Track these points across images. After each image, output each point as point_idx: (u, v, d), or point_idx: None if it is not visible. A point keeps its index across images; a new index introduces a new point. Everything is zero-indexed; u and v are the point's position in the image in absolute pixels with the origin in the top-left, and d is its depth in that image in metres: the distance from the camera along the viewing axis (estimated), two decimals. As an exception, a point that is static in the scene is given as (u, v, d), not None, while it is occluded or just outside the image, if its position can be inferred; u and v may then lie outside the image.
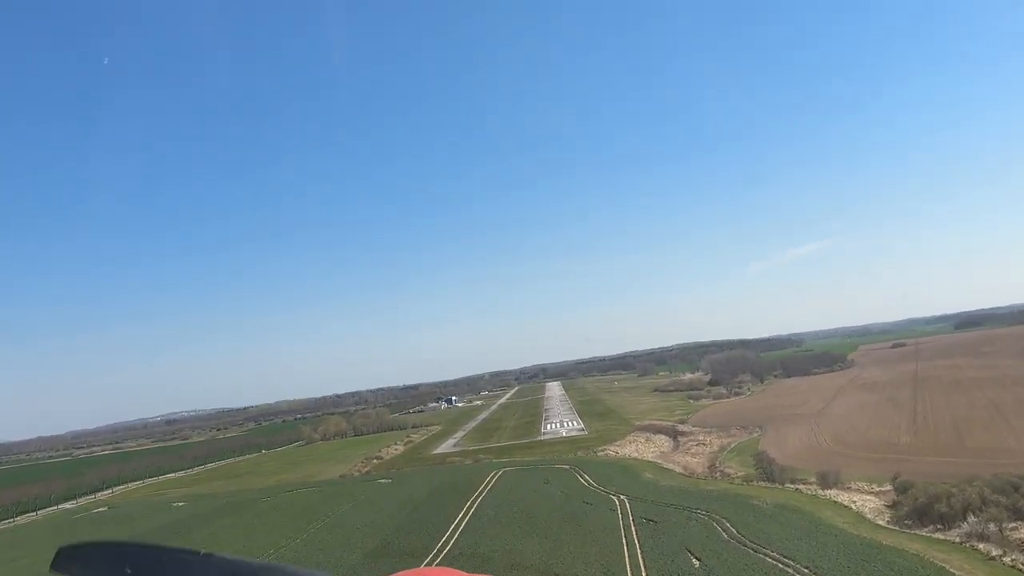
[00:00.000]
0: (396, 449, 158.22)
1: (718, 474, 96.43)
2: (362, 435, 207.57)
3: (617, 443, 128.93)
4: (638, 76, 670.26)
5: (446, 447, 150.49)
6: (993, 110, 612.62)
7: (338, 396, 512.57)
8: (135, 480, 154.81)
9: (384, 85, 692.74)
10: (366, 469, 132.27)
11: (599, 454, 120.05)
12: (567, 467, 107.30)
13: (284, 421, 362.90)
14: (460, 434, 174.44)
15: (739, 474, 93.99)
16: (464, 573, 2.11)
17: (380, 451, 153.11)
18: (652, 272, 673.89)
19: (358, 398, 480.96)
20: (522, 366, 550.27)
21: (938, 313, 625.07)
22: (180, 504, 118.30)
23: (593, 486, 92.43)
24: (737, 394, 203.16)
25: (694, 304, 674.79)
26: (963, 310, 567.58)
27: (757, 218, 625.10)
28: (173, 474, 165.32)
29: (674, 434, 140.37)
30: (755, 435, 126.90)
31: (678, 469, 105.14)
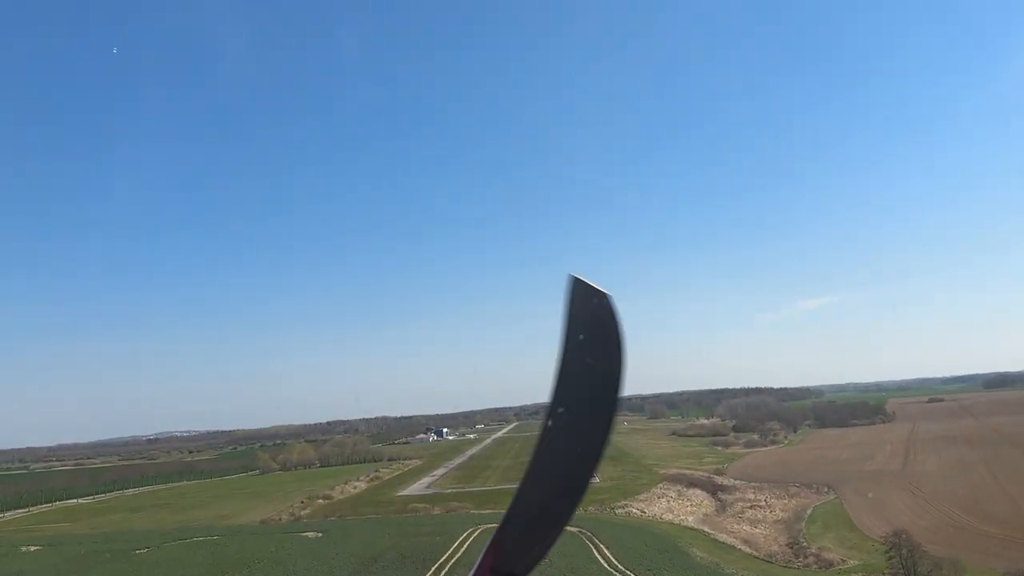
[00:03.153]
0: (355, 486, 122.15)
1: (812, 559, 60.49)
2: (329, 466, 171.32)
3: (641, 497, 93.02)
4: (657, 127, 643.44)
5: (417, 488, 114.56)
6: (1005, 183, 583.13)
7: (328, 423, 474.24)
8: (19, 508, 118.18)
9: (393, 101, 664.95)
10: (303, 512, 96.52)
11: (618, 512, 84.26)
12: (575, 530, 71.57)
13: (262, 446, 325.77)
14: (440, 472, 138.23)
15: (849, 561, 58.14)
16: None
17: (333, 488, 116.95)
18: (657, 318, 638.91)
19: (348, 426, 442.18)
20: (523, 403, 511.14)
21: (949, 374, 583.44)
22: (32, 549, 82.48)
23: (618, 571, 57.02)
24: (773, 443, 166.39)
25: (702, 351, 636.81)
26: (977, 372, 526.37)
27: (767, 269, 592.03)
28: (79, 500, 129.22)
29: (712, 489, 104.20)
30: (829, 497, 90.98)
31: (740, 544, 69.29)
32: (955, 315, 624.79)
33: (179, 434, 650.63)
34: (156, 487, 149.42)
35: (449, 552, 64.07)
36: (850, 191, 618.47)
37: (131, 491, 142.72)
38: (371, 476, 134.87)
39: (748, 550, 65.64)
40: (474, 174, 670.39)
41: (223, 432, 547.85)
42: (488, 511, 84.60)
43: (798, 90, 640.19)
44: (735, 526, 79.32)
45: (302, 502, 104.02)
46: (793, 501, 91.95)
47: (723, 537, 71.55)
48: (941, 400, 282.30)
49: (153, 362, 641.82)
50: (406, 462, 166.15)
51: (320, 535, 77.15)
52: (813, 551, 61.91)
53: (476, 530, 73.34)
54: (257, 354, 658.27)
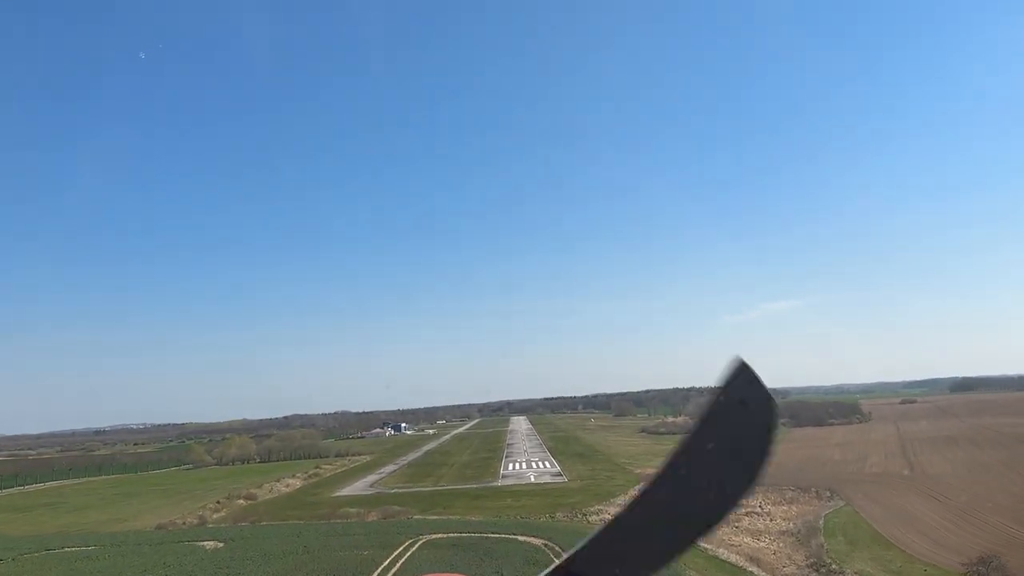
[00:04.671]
0: (288, 484, 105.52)
1: (850, 588, 45.72)
2: (268, 461, 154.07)
3: (617, 501, 77.66)
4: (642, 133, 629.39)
5: (358, 487, 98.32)
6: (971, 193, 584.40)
7: (285, 418, 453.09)
8: None
9: (383, 96, 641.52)
10: (215, 515, 79.94)
11: (592, 519, 68.98)
12: (540, 543, 56.20)
13: (211, 440, 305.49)
14: (389, 469, 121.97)
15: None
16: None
17: (261, 486, 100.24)
18: (622, 317, 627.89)
19: (305, 421, 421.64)
20: (487, 400, 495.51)
21: (909, 379, 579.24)
22: None
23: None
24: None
25: (665, 351, 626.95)
26: (936, 376, 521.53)
27: (733, 272, 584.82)
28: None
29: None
30: (837, 503, 76.61)
31: (747, 564, 54.31)
32: (915, 321, 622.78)
33: (133, 427, 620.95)
34: (64, 482, 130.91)
35: (377, 573, 48.34)
36: (815, 200, 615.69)
37: (32, 487, 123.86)
38: (310, 473, 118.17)
39: (760, 572, 50.77)
40: (449, 173, 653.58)
41: (175, 425, 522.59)
42: (435, 516, 68.89)
43: (773, 95, 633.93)
44: (733, 538, 64.34)
45: (218, 502, 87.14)
46: (794, 508, 77.51)
47: (723, 553, 56.57)
48: (914, 402, 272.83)
49: (112, 354, 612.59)
50: (354, 458, 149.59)
51: (220, 546, 60.65)
52: (851, 578, 47.08)
53: (417, 541, 57.65)
54: (221, 348, 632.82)
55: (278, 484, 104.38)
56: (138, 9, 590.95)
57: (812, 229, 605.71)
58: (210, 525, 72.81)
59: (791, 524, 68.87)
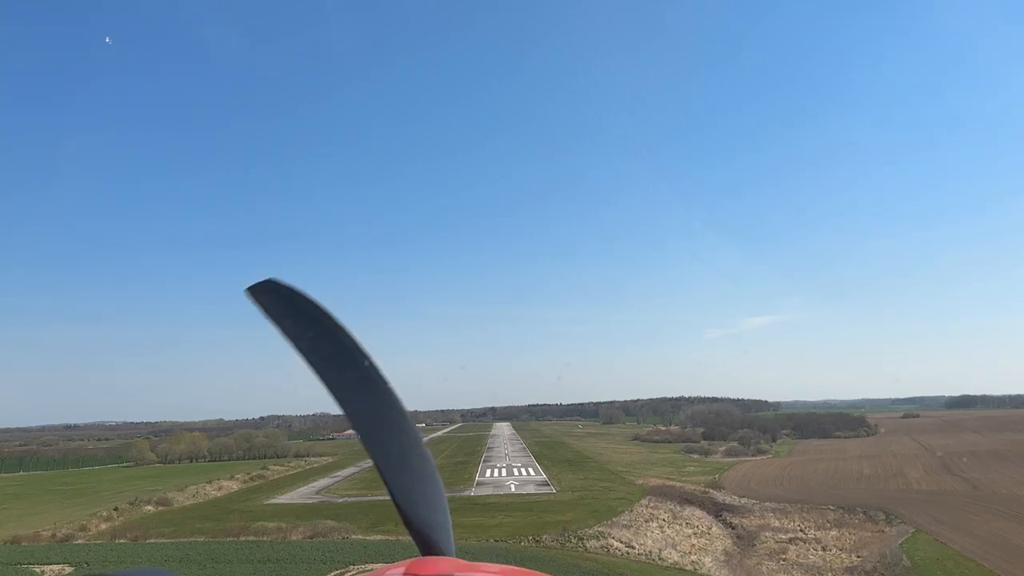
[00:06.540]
0: (221, 488, 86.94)
1: None
2: (218, 460, 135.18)
3: (622, 520, 59.64)
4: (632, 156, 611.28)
5: (301, 493, 79.86)
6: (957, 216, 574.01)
7: (261, 419, 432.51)
8: None
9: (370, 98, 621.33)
10: (104, 524, 61.43)
11: (590, 544, 50.78)
12: (520, 583, 37.57)
13: (160, 435, 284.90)
14: (348, 472, 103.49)
15: None
16: (469, 563, 1.96)
17: (184, 489, 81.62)
18: (609, 328, 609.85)
19: (282, 421, 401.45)
20: (471, 407, 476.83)
21: (894, 396, 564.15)
22: None
23: None
24: (760, 452, 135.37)
25: (651, 363, 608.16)
26: (923, 395, 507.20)
27: (720, 284, 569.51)
28: None
29: (716, 509, 71.56)
30: (900, 528, 58.84)
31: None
32: (901, 340, 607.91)
33: (108, 423, 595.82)
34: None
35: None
36: (797, 219, 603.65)
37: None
38: (253, 475, 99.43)
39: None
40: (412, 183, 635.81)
41: (148, 424, 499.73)
42: (378, 537, 50.69)
43: (763, 108, 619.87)
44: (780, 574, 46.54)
45: (116, 509, 68.23)
46: (847, 533, 59.82)
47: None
48: (917, 416, 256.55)
49: (95, 352, 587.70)
50: (315, 459, 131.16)
51: (67, 571, 42.19)
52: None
53: (344, 574, 39.52)
54: (207, 348, 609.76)
55: (208, 487, 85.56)
56: (125, 11, 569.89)
57: (794, 247, 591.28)
58: (79, 540, 54.00)
59: (856, 556, 51.09)
